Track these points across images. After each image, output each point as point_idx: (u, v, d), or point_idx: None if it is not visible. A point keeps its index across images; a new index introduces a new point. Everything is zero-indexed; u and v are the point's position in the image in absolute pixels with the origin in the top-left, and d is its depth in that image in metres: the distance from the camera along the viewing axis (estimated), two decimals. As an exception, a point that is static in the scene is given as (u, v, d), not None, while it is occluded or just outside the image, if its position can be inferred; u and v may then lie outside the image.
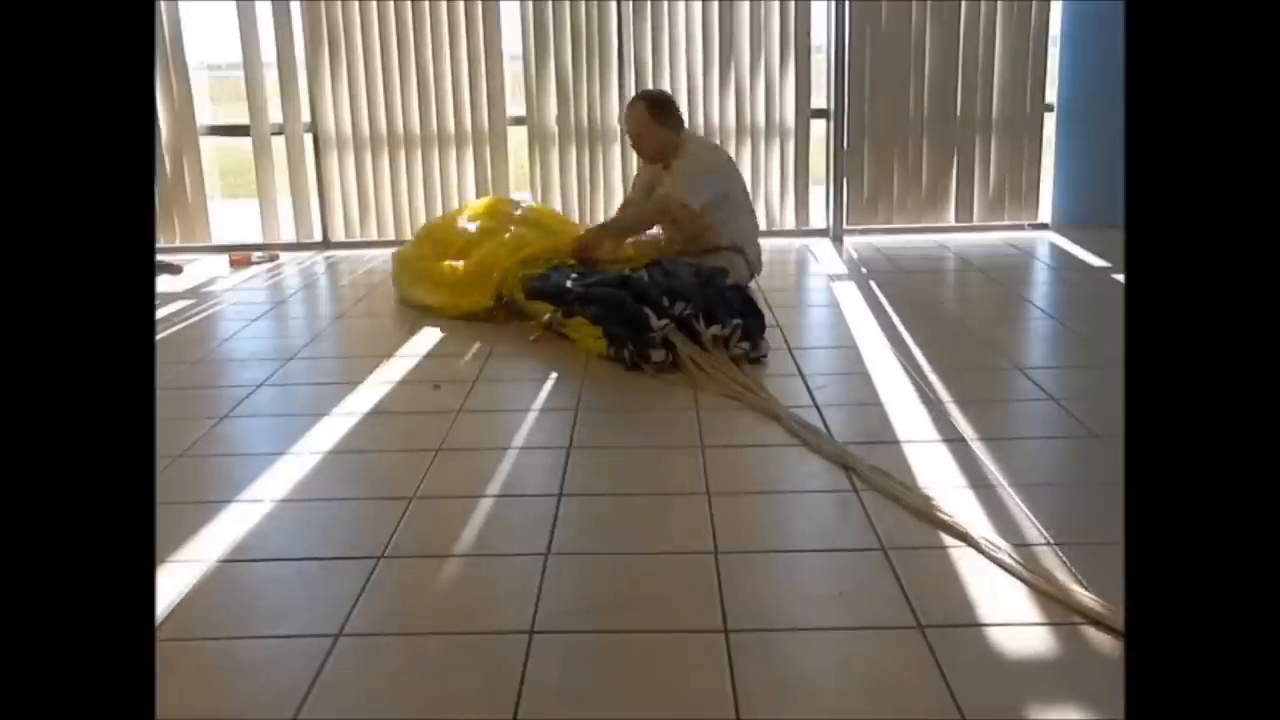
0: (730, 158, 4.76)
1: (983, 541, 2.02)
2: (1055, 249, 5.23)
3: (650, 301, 3.32)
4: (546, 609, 1.84)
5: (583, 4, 5.40)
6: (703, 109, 5.53)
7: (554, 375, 3.27)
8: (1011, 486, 2.30)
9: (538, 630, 1.76)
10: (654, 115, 4.34)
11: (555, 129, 5.56)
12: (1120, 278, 4.46)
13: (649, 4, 5.41)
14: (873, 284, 4.50)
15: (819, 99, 5.63)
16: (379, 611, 1.85)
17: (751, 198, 4.69)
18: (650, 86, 5.48)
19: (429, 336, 3.79)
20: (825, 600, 1.87)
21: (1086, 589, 1.83)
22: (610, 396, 3.05)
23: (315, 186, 5.61)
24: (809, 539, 2.15)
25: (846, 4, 5.43)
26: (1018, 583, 1.87)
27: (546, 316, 3.65)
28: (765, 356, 3.33)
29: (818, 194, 5.79)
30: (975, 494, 2.27)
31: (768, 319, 3.62)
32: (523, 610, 1.83)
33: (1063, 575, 1.89)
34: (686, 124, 5.48)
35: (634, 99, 4.45)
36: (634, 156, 5.51)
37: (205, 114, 5.64)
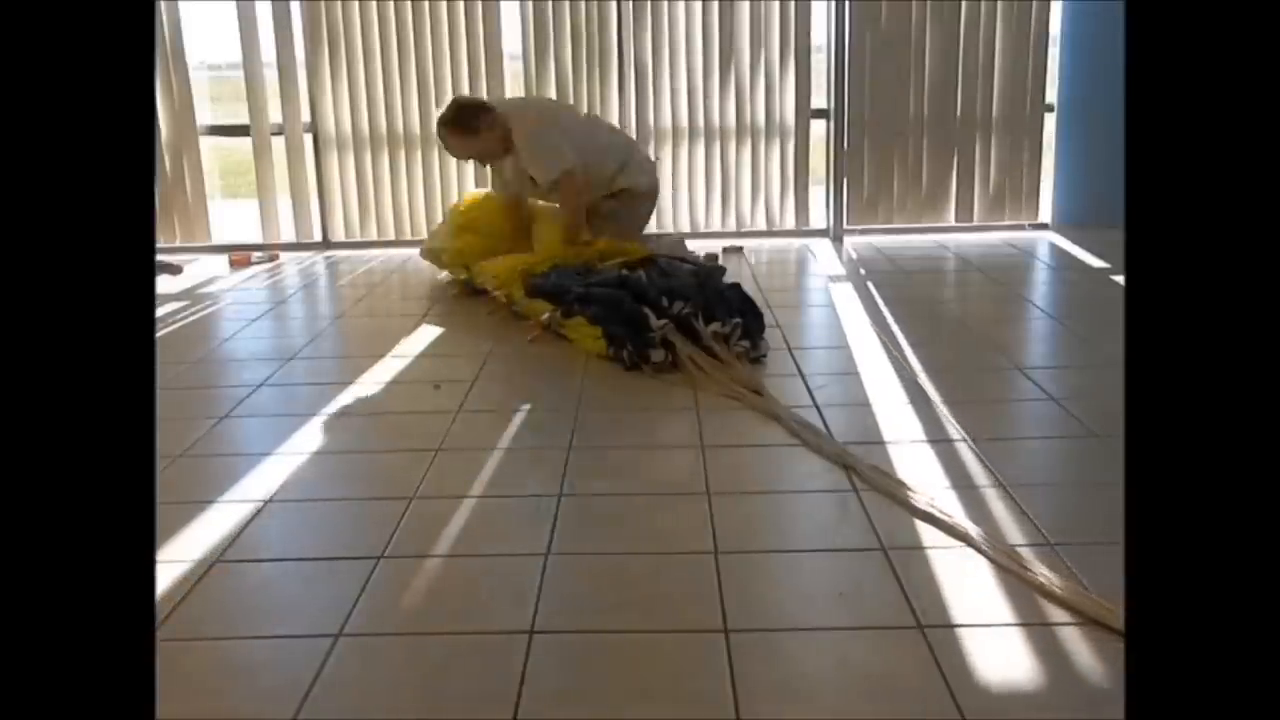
0: (549, 99, 4.75)
1: (982, 541, 2.02)
2: (1055, 249, 5.23)
3: (649, 301, 3.33)
4: (546, 609, 1.84)
5: (583, 4, 5.40)
6: (703, 109, 5.53)
7: (554, 375, 3.27)
8: (1011, 486, 2.30)
9: (538, 630, 1.76)
10: (463, 134, 4.25)
11: (555, 129, 5.55)
12: (1120, 278, 4.46)
13: (649, 4, 5.41)
14: (872, 284, 4.50)
15: (819, 99, 5.63)
16: (379, 611, 1.85)
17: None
18: (650, 86, 5.47)
19: (428, 336, 3.79)
20: (825, 600, 1.87)
21: (1086, 589, 1.83)
22: (610, 396, 3.05)
23: (315, 186, 5.61)
24: (809, 539, 2.15)
25: (846, 4, 5.43)
26: (1018, 583, 1.87)
27: (545, 316, 3.64)
28: (765, 356, 3.33)
29: (818, 194, 5.79)
30: (975, 494, 2.27)
31: (768, 319, 3.62)
32: (523, 610, 1.83)
33: (1063, 575, 1.89)
34: (687, 121, 5.51)
35: (439, 132, 4.33)
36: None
37: (205, 114, 5.64)
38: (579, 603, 1.87)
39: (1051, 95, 5.56)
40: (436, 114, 5.43)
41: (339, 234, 5.64)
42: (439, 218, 5.48)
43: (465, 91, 5.46)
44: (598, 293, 3.51)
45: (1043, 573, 1.89)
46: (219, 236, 5.69)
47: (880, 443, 2.59)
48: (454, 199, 5.53)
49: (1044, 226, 5.68)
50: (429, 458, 2.56)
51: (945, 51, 5.49)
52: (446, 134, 4.28)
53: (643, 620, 1.80)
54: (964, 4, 5.43)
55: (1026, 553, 1.98)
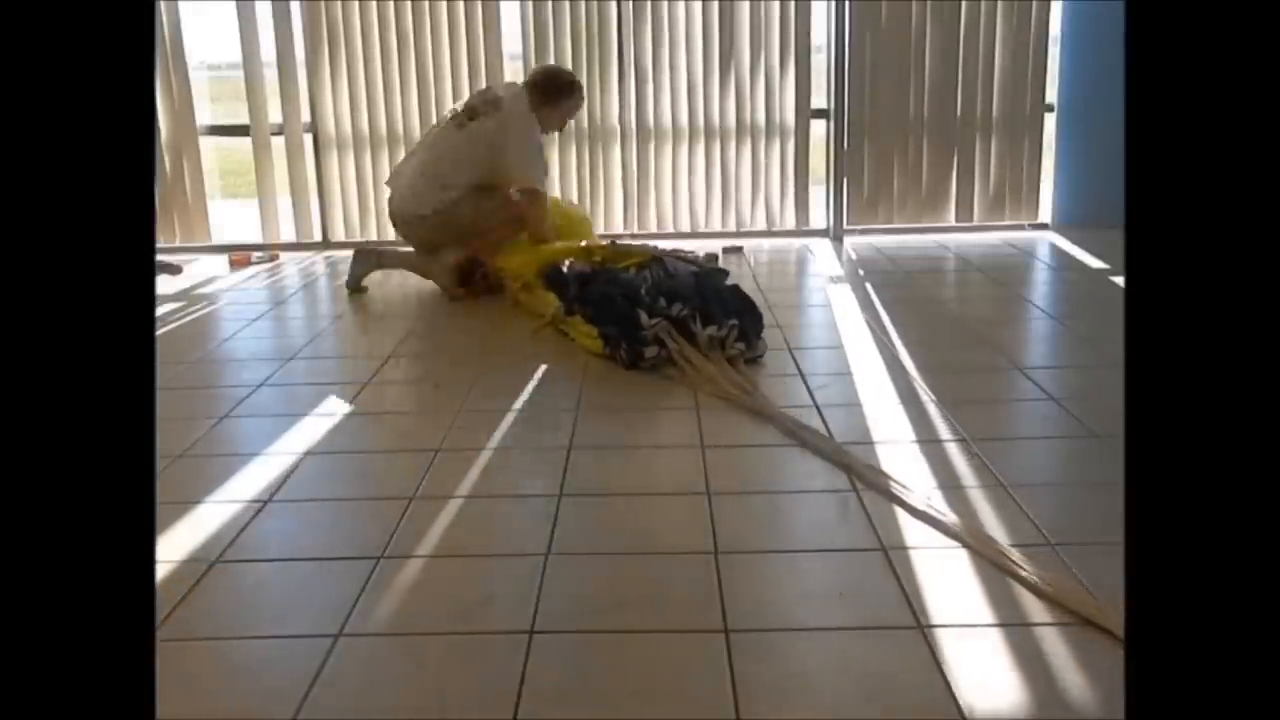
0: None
1: (982, 541, 2.02)
2: (1055, 249, 5.23)
3: (642, 303, 3.34)
4: (546, 609, 1.84)
5: (583, 4, 5.40)
6: (703, 109, 5.53)
7: (554, 375, 3.27)
8: (1011, 486, 2.30)
9: (538, 630, 1.76)
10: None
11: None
12: (1120, 279, 4.46)
13: (649, 4, 5.41)
14: (872, 284, 4.50)
15: (819, 99, 5.63)
16: (379, 611, 1.85)
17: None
18: (650, 86, 5.48)
19: (428, 336, 3.79)
20: (825, 600, 1.87)
21: (1086, 589, 1.83)
22: (610, 396, 3.05)
23: (315, 186, 5.61)
24: (809, 539, 2.15)
25: (846, 4, 5.43)
26: (1017, 583, 1.87)
27: (550, 312, 3.69)
28: (761, 356, 3.33)
29: (818, 194, 5.79)
30: (975, 494, 2.27)
31: (768, 319, 3.62)
32: (523, 610, 1.83)
33: (1063, 575, 1.89)
34: (687, 121, 5.52)
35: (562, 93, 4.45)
36: (634, 156, 5.55)
37: (205, 114, 5.63)
38: (579, 603, 1.87)
39: (1051, 95, 5.56)
40: (436, 114, 5.47)
41: (339, 234, 5.64)
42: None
43: (465, 91, 5.46)
44: (593, 292, 3.53)
45: (1042, 573, 1.89)
46: (219, 236, 5.69)
47: (880, 442, 2.59)
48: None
49: (1044, 226, 5.68)
50: (429, 458, 2.56)
51: (945, 51, 5.49)
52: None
53: (643, 620, 1.80)
54: (964, 4, 5.43)
55: (1026, 553, 1.98)
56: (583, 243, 4.24)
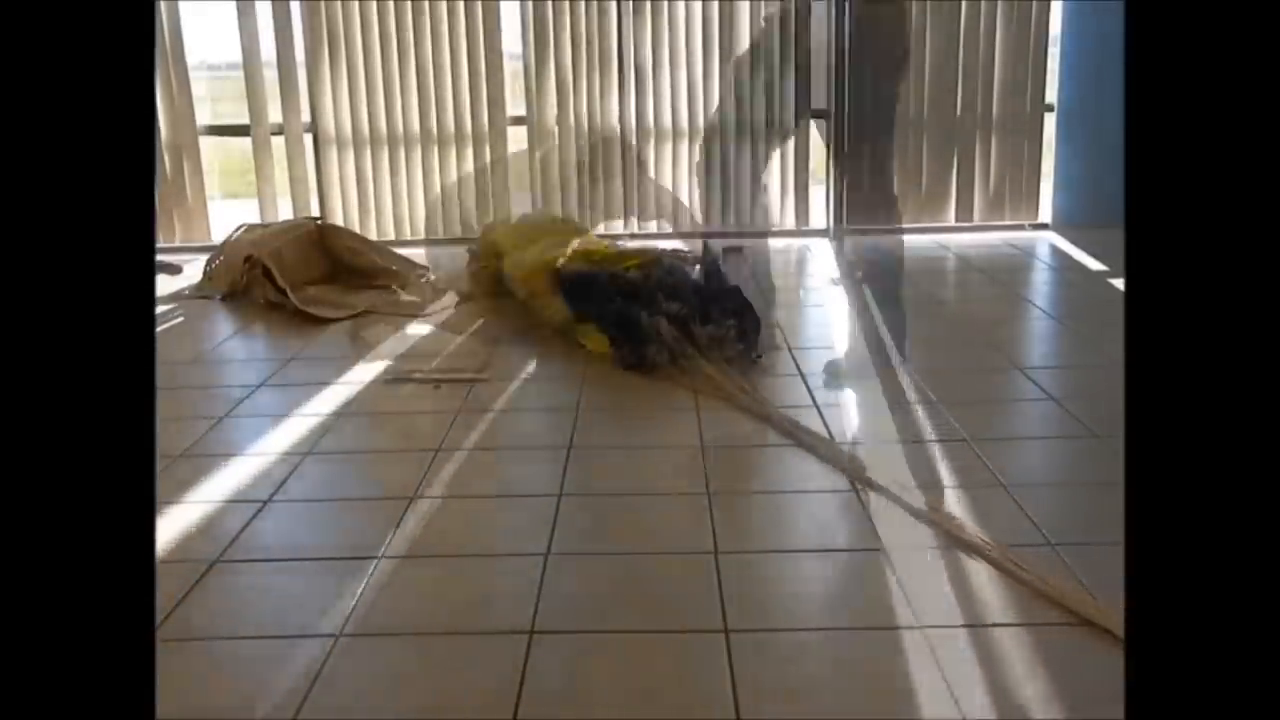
0: None
1: (981, 542, 2.02)
2: (1055, 249, 5.22)
3: (642, 302, 3.34)
4: (546, 609, 1.84)
5: (583, 4, 5.40)
6: (703, 109, 5.53)
7: (554, 375, 3.27)
8: (1011, 486, 2.30)
9: (538, 630, 1.76)
10: None
11: (555, 129, 5.56)
12: (1120, 280, 4.46)
13: (649, 4, 5.41)
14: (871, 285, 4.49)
15: (819, 99, 5.63)
16: (379, 611, 1.85)
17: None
18: (650, 86, 5.47)
19: (429, 337, 3.79)
20: (825, 600, 1.87)
21: (1086, 589, 1.83)
22: (610, 396, 3.05)
23: (315, 186, 5.61)
24: (809, 539, 2.15)
25: (846, 4, 5.42)
26: (1017, 583, 1.87)
27: (559, 319, 3.68)
28: (761, 357, 3.33)
29: (818, 194, 5.79)
30: (975, 494, 2.27)
31: (767, 319, 3.61)
32: (523, 610, 1.83)
33: (1062, 575, 1.89)
34: (687, 121, 5.52)
35: None
36: (634, 156, 5.54)
37: (205, 114, 5.63)
38: (579, 603, 1.87)
39: (1051, 95, 5.56)
40: (436, 114, 5.47)
41: (339, 234, 5.63)
42: (438, 218, 5.54)
43: (465, 92, 5.46)
44: (593, 294, 3.53)
45: (1041, 573, 1.88)
46: (219, 236, 5.68)
47: (881, 442, 2.59)
48: (453, 199, 5.55)
49: (1044, 227, 5.68)
50: (429, 458, 2.56)
51: (945, 51, 5.49)
52: None
53: (643, 620, 1.80)
54: (964, 4, 5.43)
55: (1026, 553, 1.98)
56: (576, 241, 4.24)
